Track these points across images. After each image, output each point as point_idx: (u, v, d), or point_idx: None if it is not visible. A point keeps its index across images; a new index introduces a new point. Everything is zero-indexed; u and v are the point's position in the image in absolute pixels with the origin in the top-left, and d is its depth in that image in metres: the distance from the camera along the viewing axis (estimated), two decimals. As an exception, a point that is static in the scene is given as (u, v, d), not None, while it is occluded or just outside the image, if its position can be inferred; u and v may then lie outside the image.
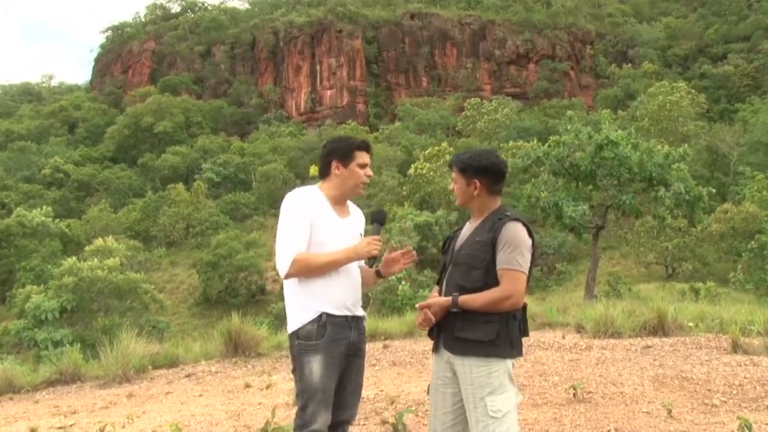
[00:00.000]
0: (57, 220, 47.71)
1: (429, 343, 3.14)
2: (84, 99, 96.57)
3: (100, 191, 66.79)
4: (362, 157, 3.15)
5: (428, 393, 3.13)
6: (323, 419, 2.99)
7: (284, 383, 6.59)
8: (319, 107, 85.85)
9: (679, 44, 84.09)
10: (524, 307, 2.95)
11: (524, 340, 3.01)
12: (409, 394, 5.80)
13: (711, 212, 33.17)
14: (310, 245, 3.04)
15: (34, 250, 43.84)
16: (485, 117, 66.00)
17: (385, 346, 8.35)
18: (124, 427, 5.51)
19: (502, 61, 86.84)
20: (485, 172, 2.98)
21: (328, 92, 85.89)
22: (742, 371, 5.91)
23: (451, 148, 47.17)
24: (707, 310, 9.54)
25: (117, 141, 79.58)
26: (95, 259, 32.04)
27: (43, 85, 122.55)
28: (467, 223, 3.12)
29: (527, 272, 2.90)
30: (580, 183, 19.29)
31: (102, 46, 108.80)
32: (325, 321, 3.02)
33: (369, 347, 7.76)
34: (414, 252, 3.26)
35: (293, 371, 3.10)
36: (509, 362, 2.90)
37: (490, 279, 2.87)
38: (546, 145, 19.74)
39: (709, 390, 5.43)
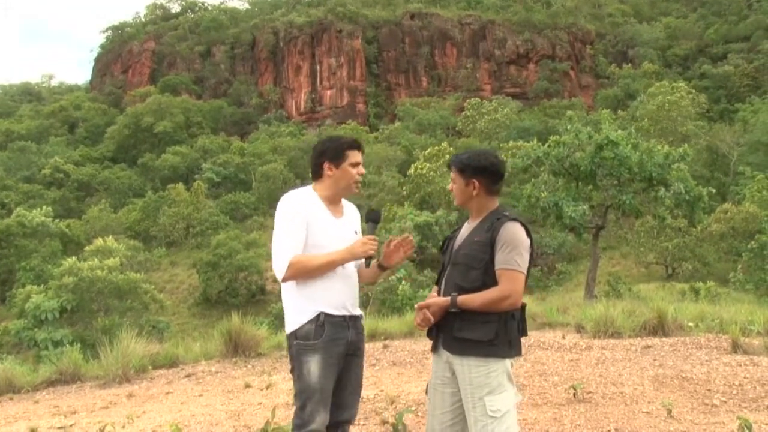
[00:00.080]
0: (57, 220, 47.69)
1: (429, 343, 3.15)
2: (84, 99, 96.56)
3: (100, 191, 66.78)
4: (354, 156, 3.16)
5: (427, 392, 3.13)
6: (321, 419, 2.99)
7: (284, 383, 6.59)
8: (319, 107, 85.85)
9: (679, 44, 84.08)
10: (523, 307, 2.95)
11: (524, 340, 3.01)
12: (409, 394, 5.80)
13: (711, 212, 33.17)
14: (306, 247, 3.04)
15: (34, 250, 43.83)
16: (485, 117, 65.99)
17: (385, 346, 8.35)
18: (124, 427, 5.51)
19: (502, 61, 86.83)
20: (484, 172, 2.98)
21: (328, 92, 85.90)
22: (742, 371, 5.91)
23: (451, 148, 47.14)
24: (707, 310, 9.54)
25: (117, 141, 79.59)
26: (95, 259, 32.03)
27: (43, 85, 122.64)
28: (465, 223, 3.12)
29: (526, 272, 2.90)
30: (580, 183, 19.30)
31: (102, 46, 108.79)
32: (323, 321, 3.03)
33: (369, 347, 7.77)
34: (412, 238, 3.27)
35: (291, 371, 3.10)
36: (508, 362, 2.90)
37: (489, 279, 2.87)
38: (546, 145, 19.74)
39: (709, 390, 5.43)
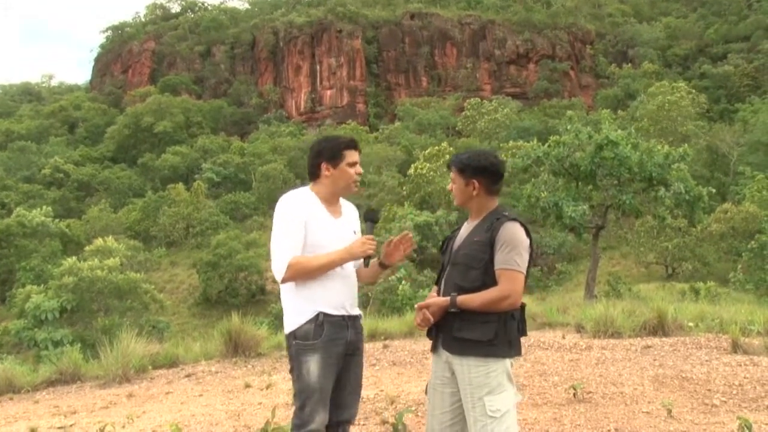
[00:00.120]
0: (57, 220, 47.70)
1: (429, 343, 3.15)
2: (84, 99, 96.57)
3: (100, 191, 66.78)
4: (351, 155, 3.15)
5: (426, 392, 3.13)
6: (321, 419, 3.00)
7: (284, 383, 6.59)
8: (319, 107, 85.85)
9: (679, 44, 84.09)
10: (522, 307, 2.95)
11: (524, 340, 3.01)
12: (409, 394, 5.80)
13: (711, 212, 33.17)
14: (305, 247, 3.04)
15: (34, 250, 43.83)
16: (485, 117, 65.98)
17: (385, 346, 8.35)
18: (124, 427, 5.51)
19: (502, 61, 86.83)
20: (484, 172, 2.98)
21: (328, 92, 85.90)
22: (742, 371, 5.91)
23: (451, 148, 47.15)
24: (707, 310, 9.54)
25: (117, 141, 79.59)
26: (95, 259, 32.03)
27: (43, 85, 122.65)
28: (465, 223, 3.12)
29: (525, 272, 2.90)
30: (580, 183, 19.30)
31: (102, 46, 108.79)
32: (322, 320, 3.03)
33: (369, 347, 7.78)
34: (411, 235, 3.27)
35: (291, 371, 3.11)
36: (507, 362, 2.90)
37: (489, 279, 2.87)
38: (546, 145, 19.73)
39: (709, 390, 5.43)
